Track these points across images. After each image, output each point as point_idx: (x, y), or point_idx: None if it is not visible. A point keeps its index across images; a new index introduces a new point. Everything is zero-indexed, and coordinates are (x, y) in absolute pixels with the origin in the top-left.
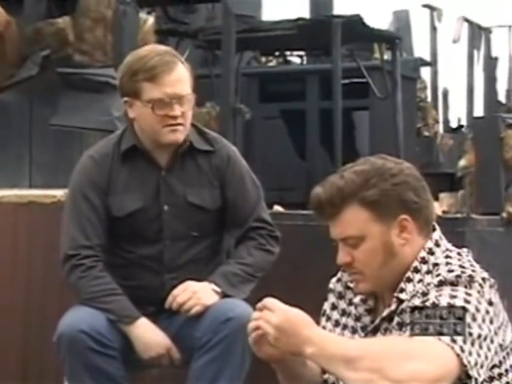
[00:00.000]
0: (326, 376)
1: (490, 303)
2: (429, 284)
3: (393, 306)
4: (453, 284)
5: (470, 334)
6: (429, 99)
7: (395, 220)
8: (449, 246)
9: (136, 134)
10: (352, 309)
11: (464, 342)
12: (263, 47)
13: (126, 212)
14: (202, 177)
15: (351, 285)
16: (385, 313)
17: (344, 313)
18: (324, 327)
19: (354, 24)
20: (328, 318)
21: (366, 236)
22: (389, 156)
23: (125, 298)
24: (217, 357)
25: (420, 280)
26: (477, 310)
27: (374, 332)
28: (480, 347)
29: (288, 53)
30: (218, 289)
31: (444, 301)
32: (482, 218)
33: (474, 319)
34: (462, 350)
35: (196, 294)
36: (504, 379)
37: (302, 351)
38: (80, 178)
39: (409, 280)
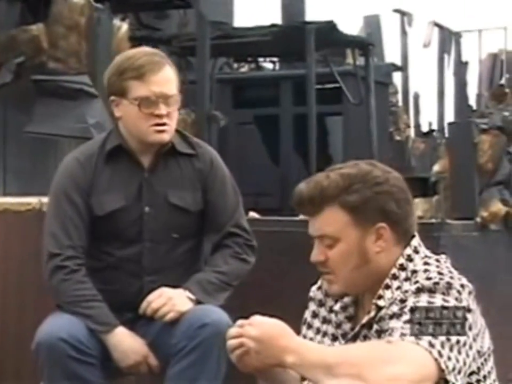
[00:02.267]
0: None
1: (468, 310)
2: (407, 291)
3: (372, 313)
4: (431, 290)
5: (448, 340)
6: (400, 103)
7: (372, 227)
8: (428, 252)
9: (122, 134)
10: (332, 316)
11: (443, 346)
12: (237, 53)
13: (107, 211)
14: (185, 179)
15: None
16: (364, 320)
17: (325, 320)
18: (304, 336)
19: (328, 30)
20: (310, 326)
21: (342, 238)
22: (380, 164)
23: (105, 306)
24: (193, 362)
25: (398, 287)
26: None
27: (354, 339)
28: (459, 353)
29: (261, 59)
30: (192, 297)
31: (421, 307)
32: (457, 223)
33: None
34: (440, 355)
35: (170, 300)
36: None
37: (283, 361)
38: (64, 179)
39: (387, 287)
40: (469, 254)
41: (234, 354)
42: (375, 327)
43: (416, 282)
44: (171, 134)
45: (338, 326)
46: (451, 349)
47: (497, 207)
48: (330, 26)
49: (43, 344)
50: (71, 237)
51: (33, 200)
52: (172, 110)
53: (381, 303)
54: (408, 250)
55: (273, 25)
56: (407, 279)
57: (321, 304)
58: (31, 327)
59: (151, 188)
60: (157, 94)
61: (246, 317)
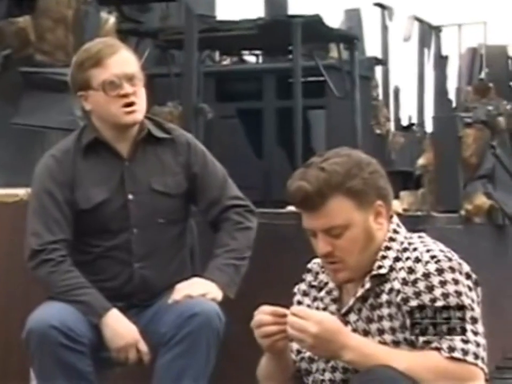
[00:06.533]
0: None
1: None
2: (417, 259)
3: (367, 285)
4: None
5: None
6: (381, 97)
7: (372, 206)
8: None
9: (96, 127)
10: (318, 303)
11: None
12: (223, 46)
13: (92, 204)
14: (164, 164)
15: (324, 278)
16: (359, 293)
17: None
18: None
19: (314, 24)
20: None
21: (351, 224)
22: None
23: (96, 291)
24: (182, 353)
25: (398, 258)
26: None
27: (348, 312)
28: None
29: (246, 52)
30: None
31: (432, 268)
32: (441, 216)
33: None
34: (477, 357)
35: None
36: None
37: (340, 356)
38: (42, 176)
39: (384, 257)
40: (453, 246)
41: (269, 340)
42: (385, 297)
43: (415, 249)
44: (142, 112)
45: (324, 309)
46: (477, 345)
47: (481, 200)
48: (316, 20)
49: (34, 332)
50: (53, 232)
51: (20, 192)
52: (137, 88)
53: (382, 271)
54: (393, 225)
55: (259, 19)
56: (405, 249)
57: (305, 294)
58: (19, 319)
59: (132, 176)
60: (118, 75)
61: (235, 307)
